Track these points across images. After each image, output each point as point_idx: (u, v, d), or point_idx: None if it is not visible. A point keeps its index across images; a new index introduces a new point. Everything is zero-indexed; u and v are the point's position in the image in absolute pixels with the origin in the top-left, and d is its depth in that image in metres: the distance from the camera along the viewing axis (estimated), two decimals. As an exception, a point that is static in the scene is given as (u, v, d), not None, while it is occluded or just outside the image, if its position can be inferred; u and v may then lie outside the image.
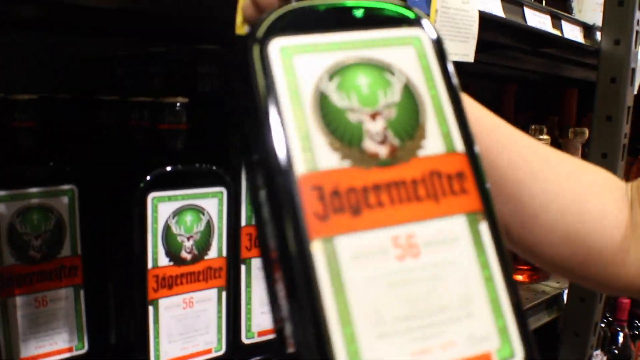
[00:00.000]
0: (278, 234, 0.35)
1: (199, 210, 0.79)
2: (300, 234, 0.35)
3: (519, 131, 0.63)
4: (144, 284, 0.76)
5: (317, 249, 0.35)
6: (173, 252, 0.77)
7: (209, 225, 0.80)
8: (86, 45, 1.12)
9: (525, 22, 1.00)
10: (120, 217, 0.78)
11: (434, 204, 0.38)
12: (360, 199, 0.36)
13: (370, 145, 0.38)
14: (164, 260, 0.77)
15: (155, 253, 0.76)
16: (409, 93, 0.40)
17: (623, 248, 0.64)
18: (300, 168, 0.36)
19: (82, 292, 0.81)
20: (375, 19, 0.41)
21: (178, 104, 0.79)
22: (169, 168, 0.77)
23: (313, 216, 0.35)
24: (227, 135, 0.87)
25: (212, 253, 0.81)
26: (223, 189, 0.81)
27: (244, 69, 0.38)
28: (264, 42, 0.38)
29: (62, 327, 0.80)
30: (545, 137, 1.27)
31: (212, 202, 0.80)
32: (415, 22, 0.42)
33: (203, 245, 0.80)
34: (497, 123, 0.62)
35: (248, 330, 0.87)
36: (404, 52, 0.41)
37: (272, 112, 0.36)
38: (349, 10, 0.41)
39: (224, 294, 0.83)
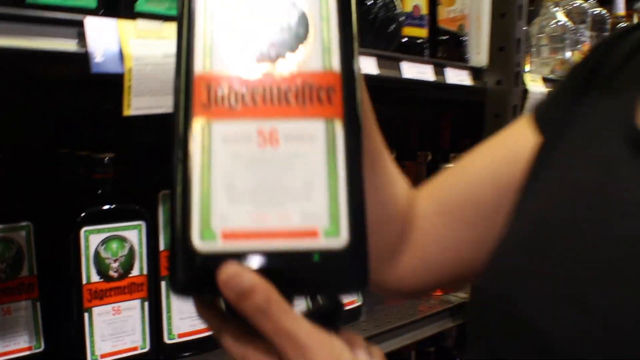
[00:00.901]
0: (174, 114, 0.48)
1: (122, 239, 1.09)
2: (187, 116, 0.47)
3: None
4: (80, 296, 1.06)
5: (197, 128, 0.47)
6: (103, 272, 1.07)
7: (131, 250, 1.10)
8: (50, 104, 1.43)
9: (401, 75, 1.29)
10: (63, 245, 1.09)
11: (300, 108, 0.48)
12: (239, 96, 0.48)
13: (260, 57, 0.49)
14: (95, 278, 1.07)
15: (88, 272, 1.06)
16: (304, 19, 0.50)
17: (398, 250, 0.78)
18: (198, 67, 0.48)
19: (38, 304, 1.11)
20: None
21: (106, 159, 1.09)
22: (97, 207, 1.08)
23: (199, 104, 0.47)
24: (152, 177, 1.17)
25: (135, 272, 1.11)
26: (142, 222, 1.11)
27: None
28: None
29: (24, 330, 1.10)
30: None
31: (133, 232, 1.10)
32: None
33: (127, 266, 1.10)
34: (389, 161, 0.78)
35: (169, 332, 1.17)
36: None
37: (187, 20, 0.49)
38: None
39: (146, 303, 1.13)
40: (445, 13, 1.54)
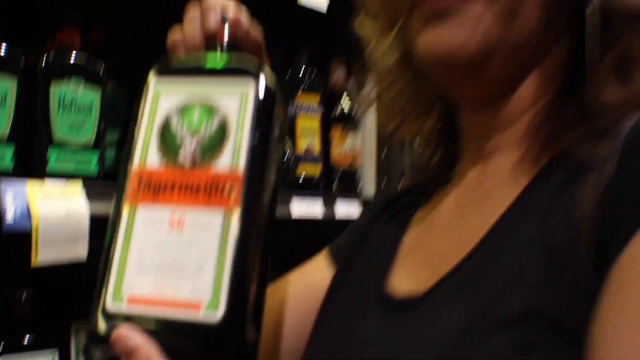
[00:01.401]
0: (115, 197, 0.62)
1: (37, 368, 1.26)
2: (121, 200, 0.60)
3: None
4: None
5: (125, 211, 0.60)
6: (18, 398, 1.23)
7: (44, 377, 1.27)
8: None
9: (291, 216, 1.50)
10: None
11: (206, 200, 0.58)
12: (160, 187, 0.60)
13: (182, 157, 0.60)
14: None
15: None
16: (223, 127, 0.61)
17: None
18: (136, 162, 0.61)
19: None
20: (223, 70, 0.64)
21: (23, 296, 1.27)
22: (15, 339, 1.25)
23: (130, 192, 0.60)
24: (66, 309, 1.35)
25: (48, 396, 1.27)
26: (56, 351, 1.28)
27: None
28: (148, 84, 0.64)
29: None
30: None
31: (47, 360, 1.27)
32: (252, 75, 0.62)
33: (41, 391, 1.26)
34: None
35: None
36: (232, 98, 0.61)
37: (135, 128, 0.63)
38: (211, 65, 0.65)
39: None
40: (337, 151, 1.77)
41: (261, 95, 0.61)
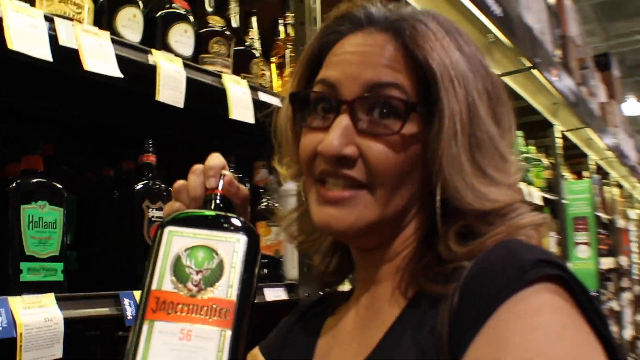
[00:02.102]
0: (136, 313, 0.80)
1: None
2: (142, 315, 0.79)
3: None
4: None
5: (145, 324, 0.78)
6: None
7: None
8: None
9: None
10: None
11: (207, 319, 0.77)
12: (173, 307, 0.78)
13: (189, 285, 0.79)
14: None
15: None
16: (221, 265, 0.80)
17: None
18: (154, 285, 0.80)
19: None
20: (222, 223, 0.84)
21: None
22: None
23: (149, 309, 0.79)
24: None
25: None
26: None
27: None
28: (164, 227, 0.84)
29: None
30: None
31: None
32: (242, 229, 0.83)
33: None
34: None
35: None
36: (227, 244, 0.82)
37: (154, 260, 0.81)
38: (208, 217, 0.87)
39: None
40: (263, 241, 2.02)
41: (248, 243, 0.83)
